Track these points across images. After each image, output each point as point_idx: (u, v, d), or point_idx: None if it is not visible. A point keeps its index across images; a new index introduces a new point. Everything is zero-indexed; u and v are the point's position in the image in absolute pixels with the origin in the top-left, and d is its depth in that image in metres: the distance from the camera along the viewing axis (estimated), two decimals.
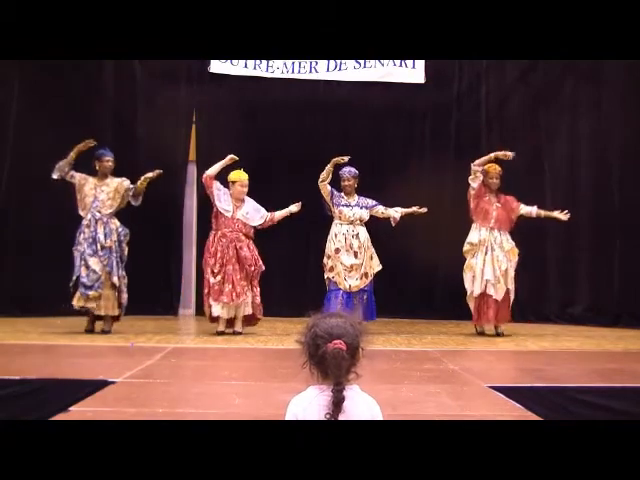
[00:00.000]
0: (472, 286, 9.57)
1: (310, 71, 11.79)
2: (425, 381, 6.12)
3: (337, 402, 2.60)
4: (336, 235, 9.60)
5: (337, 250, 9.52)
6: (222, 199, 9.34)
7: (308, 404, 2.67)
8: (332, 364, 2.61)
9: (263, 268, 9.33)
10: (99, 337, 8.64)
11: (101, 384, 5.44)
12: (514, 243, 9.72)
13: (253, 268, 9.24)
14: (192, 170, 12.19)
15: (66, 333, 8.93)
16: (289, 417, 2.69)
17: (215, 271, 9.14)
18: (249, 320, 9.33)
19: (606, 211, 11.14)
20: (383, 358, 6.90)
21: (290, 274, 11.55)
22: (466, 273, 9.66)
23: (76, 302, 9.01)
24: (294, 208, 9.60)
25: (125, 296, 9.28)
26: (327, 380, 2.66)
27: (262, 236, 10.24)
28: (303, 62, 11.74)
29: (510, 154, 9.57)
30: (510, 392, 5.36)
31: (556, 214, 9.75)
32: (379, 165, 11.11)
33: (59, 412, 4.53)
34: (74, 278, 9.05)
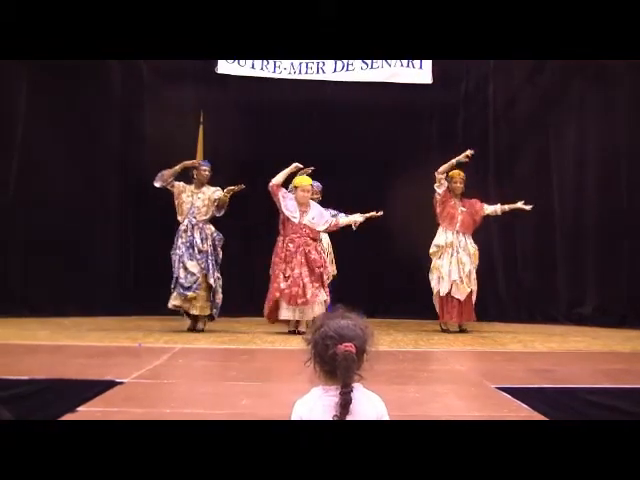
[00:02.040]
0: (438, 286, 9.97)
1: (317, 72, 11.81)
2: (432, 382, 6.11)
3: (345, 404, 2.60)
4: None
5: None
6: (289, 206, 9.45)
7: (313, 405, 2.66)
8: (342, 367, 2.60)
9: (329, 271, 9.43)
10: (106, 337, 8.64)
11: (109, 384, 5.44)
12: (477, 246, 10.11)
13: (322, 270, 9.35)
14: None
15: (74, 333, 8.94)
16: (295, 418, 2.69)
17: (286, 275, 9.28)
18: None
19: (614, 211, 11.11)
20: (390, 359, 6.89)
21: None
22: (432, 273, 10.05)
23: (172, 301, 9.59)
24: (359, 218, 9.70)
25: (220, 297, 9.67)
26: (332, 381, 2.65)
27: (261, 237, 10.29)
28: (310, 63, 11.75)
29: (470, 152, 9.86)
30: (517, 393, 5.35)
31: (519, 205, 10.06)
32: (386, 165, 11.11)
33: (67, 412, 4.53)
34: (173, 279, 9.57)
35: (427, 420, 4.16)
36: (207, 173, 9.81)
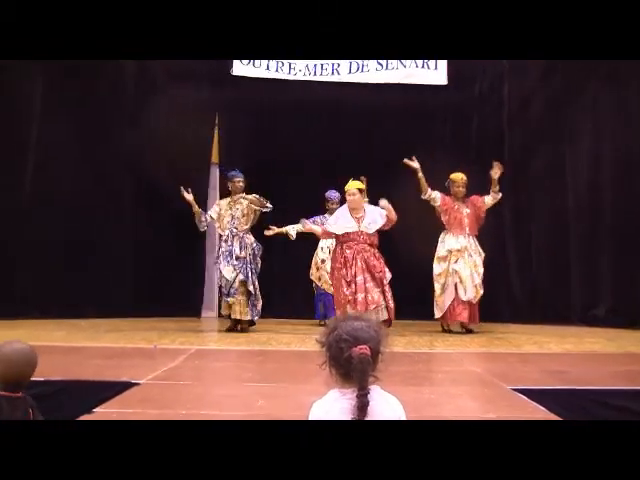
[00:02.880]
0: (452, 292, 10.00)
1: (332, 73, 11.80)
2: (447, 383, 6.11)
3: (362, 406, 2.59)
4: (322, 248, 10.71)
5: (323, 261, 10.57)
6: (340, 222, 9.43)
7: (330, 407, 2.66)
8: (358, 369, 2.59)
9: (388, 276, 9.39)
10: (122, 339, 8.67)
11: (125, 385, 5.46)
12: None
13: (381, 275, 9.30)
14: (215, 172, 12.24)
15: (90, 334, 8.98)
16: None
17: (347, 280, 9.25)
18: (385, 323, 9.33)
19: (628, 212, 11.06)
20: (405, 360, 6.89)
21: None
22: (442, 277, 10.07)
23: (223, 310, 10.12)
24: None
25: (260, 303, 9.92)
26: (348, 383, 2.64)
27: (285, 239, 10.34)
28: (325, 64, 11.76)
29: (415, 164, 9.99)
30: (533, 394, 5.34)
31: (495, 169, 10.10)
32: (401, 167, 11.06)
33: (83, 413, 4.55)
34: (217, 289, 10.23)
35: (440, 420, 4.16)
36: (241, 184, 10.01)
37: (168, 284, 11.59)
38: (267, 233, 10.31)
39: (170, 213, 11.65)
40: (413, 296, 10.46)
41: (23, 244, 11.01)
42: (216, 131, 12.20)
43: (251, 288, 9.78)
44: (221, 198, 11.29)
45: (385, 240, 9.71)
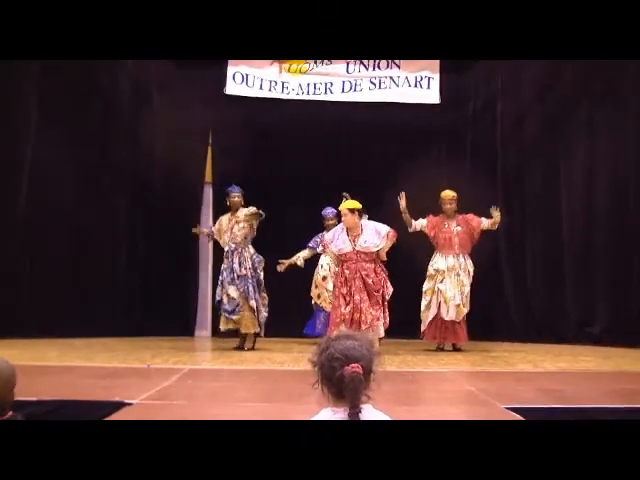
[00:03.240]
0: (436, 309, 10.15)
1: (325, 92, 11.85)
2: (442, 402, 6.09)
3: None
4: (321, 266, 10.66)
5: (324, 278, 10.54)
6: (336, 242, 9.38)
7: None
8: (350, 388, 2.58)
9: (390, 291, 9.37)
10: (115, 358, 8.64)
11: (118, 405, 5.44)
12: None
13: (380, 292, 9.28)
14: (208, 191, 12.24)
15: (83, 354, 8.95)
16: None
17: (346, 299, 9.23)
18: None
19: (623, 230, 11.08)
20: (399, 379, 6.87)
21: (308, 295, 11.49)
22: (428, 295, 10.24)
23: (222, 326, 10.09)
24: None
25: (264, 315, 10.05)
26: (340, 402, 2.63)
27: (282, 255, 10.34)
28: (318, 83, 11.81)
29: (402, 194, 10.15)
30: (528, 413, 5.32)
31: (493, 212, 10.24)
32: (395, 185, 11.06)
33: None
34: (216, 302, 10.17)
35: (432, 420, 4.14)
36: (237, 199, 10.09)
37: (161, 302, 11.58)
38: (279, 269, 10.44)
39: (163, 231, 11.68)
40: (407, 315, 10.41)
41: (15, 262, 10.96)
42: (209, 149, 12.20)
43: (252, 303, 9.87)
44: (215, 216, 11.32)
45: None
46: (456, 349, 10.12)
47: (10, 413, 3.09)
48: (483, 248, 10.46)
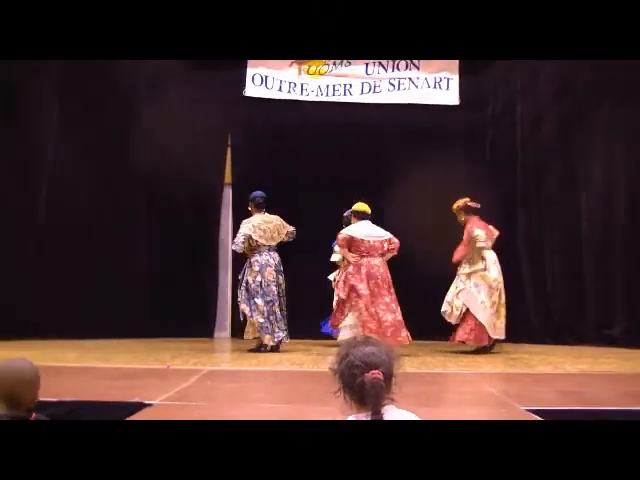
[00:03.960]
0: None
1: (344, 94, 11.85)
2: (462, 404, 6.06)
3: None
4: None
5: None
6: (360, 230, 9.50)
7: None
8: (371, 394, 2.59)
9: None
10: (135, 359, 8.65)
11: (137, 406, 5.44)
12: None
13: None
14: (228, 193, 12.24)
15: (103, 355, 8.97)
16: None
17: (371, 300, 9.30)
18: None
19: None
20: (418, 381, 6.84)
21: (327, 295, 11.48)
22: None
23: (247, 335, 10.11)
24: None
25: (258, 322, 9.79)
26: (363, 409, 2.63)
27: (300, 257, 10.30)
28: (337, 85, 11.80)
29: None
30: (548, 415, 5.29)
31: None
32: (413, 186, 11.04)
33: None
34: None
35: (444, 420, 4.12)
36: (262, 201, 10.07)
37: (181, 304, 11.58)
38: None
39: (183, 232, 11.68)
40: (426, 316, 10.37)
41: (34, 263, 11.02)
42: (229, 151, 12.20)
43: (241, 307, 9.86)
44: (235, 217, 11.35)
45: (395, 259, 9.72)
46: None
47: (34, 415, 3.12)
48: (503, 248, 10.38)
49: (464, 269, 10.07)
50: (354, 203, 9.66)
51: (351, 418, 2.67)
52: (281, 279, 9.90)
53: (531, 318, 11.64)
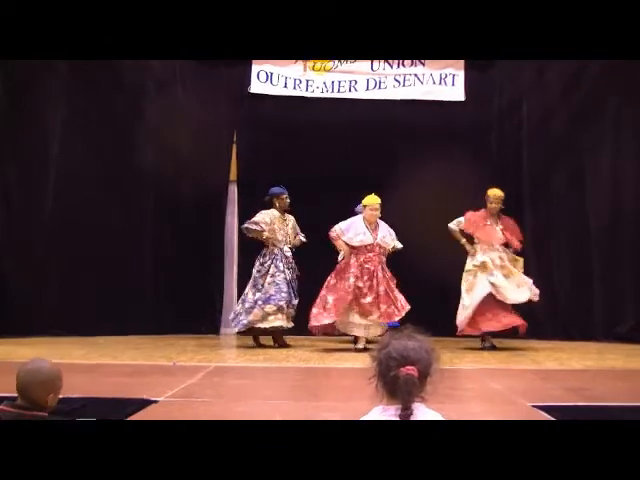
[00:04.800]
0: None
1: (349, 90, 11.83)
2: (468, 400, 6.06)
3: None
4: None
5: None
6: (359, 233, 9.56)
7: None
8: (403, 390, 2.57)
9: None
10: (141, 356, 8.68)
11: (143, 403, 5.45)
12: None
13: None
14: (233, 189, 12.22)
15: (109, 352, 8.98)
16: None
17: (364, 292, 9.39)
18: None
19: None
20: None
21: None
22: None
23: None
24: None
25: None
26: (393, 401, 2.62)
27: (305, 252, 10.29)
28: (342, 81, 11.79)
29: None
30: (555, 411, 5.29)
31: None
32: (420, 183, 11.01)
33: None
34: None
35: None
36: (288, 200, 10.22)
37: (187, 300, 11.58)
38: None
39: (189, 229, 11.68)
40: (431, 312, 10.35)
41: (41, 261, 11.04)
42: (234, 148, 12.19)
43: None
44: (241, 214, 11.37)
45: (402, 256, 9.72)
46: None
47: (44, 413, 3.22)
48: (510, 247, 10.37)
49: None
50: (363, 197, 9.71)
51: (378, 409, 2.66)
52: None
53: (538, 315, 11.59)
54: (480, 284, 9.92)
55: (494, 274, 9.89)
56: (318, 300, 9.54)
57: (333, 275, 9.62)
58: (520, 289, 9.92)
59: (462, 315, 9.99)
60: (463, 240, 10.14)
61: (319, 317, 9.43)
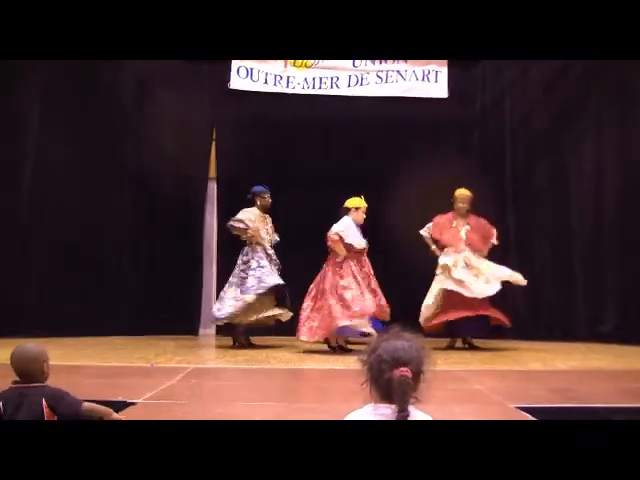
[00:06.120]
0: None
1: (331, 87, 11.82)
2: (450, 402, 6.06)
3: None
4: None
5: None
6: (356, 236, 9.58)
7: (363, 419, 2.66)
8: (398, 392, 2.58)
9: None
10: (119, 357, 8.66)
11: (121, 405, 5.43)
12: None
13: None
14: (212, 187, 12.20)
15: (87, 353, 8.96)
16: None
17: (369, 290, 9.46)
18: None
19: (633, 226, 11.04)
20: None
21: None
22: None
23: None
24: None
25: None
26: (387, 402, 2.63)
27: (294, 254, 10.29)
28: (324, 77, 11.77)
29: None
30: (539, 413, 5.31)
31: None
32: (402, 181, 11.02)
33: None
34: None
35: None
36: (270, 200, 10.31)
37: (165, 300, 11.54)
38: None
39: (168, 229, 11.64)
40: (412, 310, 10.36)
41: (19, 261, 11.01)
42: (213, 145, 12.15)
43: None
44: (221, 212, 11.35)
45: (381, 252, 9.76)
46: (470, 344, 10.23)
47: (35, 384, 3.75)
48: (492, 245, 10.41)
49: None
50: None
51: (370, 406, 2.67)
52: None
53: (521, 314, 11.63)
54: (438, 282, 10.04)
55: (458, 272, 9.96)
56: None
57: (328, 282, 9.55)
58: (488, 284, 9.93)
59: (426, 312, 10.04)
60: (433, 247, 10.26)
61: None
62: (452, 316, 9.90)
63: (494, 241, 10.27)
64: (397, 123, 11.67)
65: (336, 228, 9.50)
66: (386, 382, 2.60)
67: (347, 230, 9.51)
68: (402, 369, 2.59)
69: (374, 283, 9.50)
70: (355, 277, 9.38)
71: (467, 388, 6.82)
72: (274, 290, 9.91)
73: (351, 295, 9.27)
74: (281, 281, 9.93)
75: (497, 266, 10.10)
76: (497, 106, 12.08)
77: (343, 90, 11.83)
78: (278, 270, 10.10)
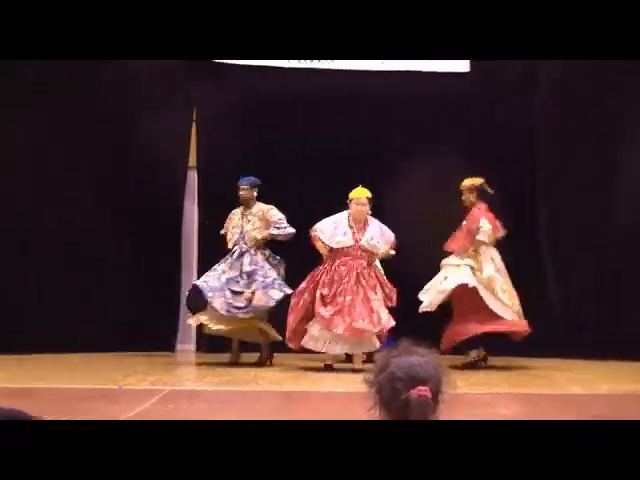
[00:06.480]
0: None
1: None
2: None
3: None
4: None
5: None
6: (338, 235, 9.50)
7: None
8: (417, 415, 2.51)
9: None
10: (81, 378, 8.56)
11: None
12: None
13: (390, 294, 9.51)
14: (193, 177, 12.06)
15: (41, 373, 8.89)
16: None
17: (326, 301, 9.31)
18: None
19: None
20: None
21: None
22: None
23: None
24: None
25: None
26: None
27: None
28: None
29: None
30: None
31: None
32: (416, 163, 10.91)
33: None
34: None
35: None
36: (242, 192, 10.16)
37: (137, 311, 11.42)
38: None
39: (139, 226, 11.51)
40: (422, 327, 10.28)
41: (20, 261, 11.13)
42: (194, 128, 12.01)
43: None
44: (202, 207, 11.55)
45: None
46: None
47: None
48: (509, 255, 10.28)
49: (452, 259, 9.99)
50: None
51: None
52: None
53: (552, 330, 11.48)
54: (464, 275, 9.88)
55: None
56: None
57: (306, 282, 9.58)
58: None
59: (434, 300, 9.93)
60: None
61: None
62: (489, 328, 9.76)
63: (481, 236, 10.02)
64: (410, 101, 11.61)
65: (318, 223, 9.50)
66: (401, 404, 2.54)
67: (329, 225, 9.50)
68: (420, 388, 2.54)
69: (344, 291, 9.31)
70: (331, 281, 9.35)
71: (492, 413, 6.72)
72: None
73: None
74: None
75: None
76: (523, 81, 11.91)
77: (347, 63, 11.66)
78: (274, 267, 10.03)
